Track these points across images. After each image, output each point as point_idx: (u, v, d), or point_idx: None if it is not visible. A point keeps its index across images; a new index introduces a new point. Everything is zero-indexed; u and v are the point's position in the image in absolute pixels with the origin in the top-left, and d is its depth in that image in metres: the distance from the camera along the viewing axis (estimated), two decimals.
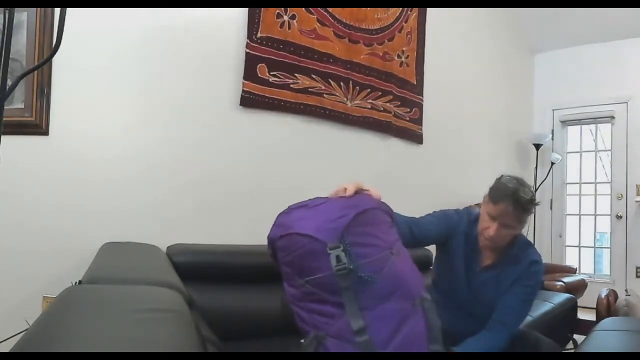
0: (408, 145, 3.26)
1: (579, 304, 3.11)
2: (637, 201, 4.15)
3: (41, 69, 1.87)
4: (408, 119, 3.23)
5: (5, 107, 1.08)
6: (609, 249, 4.40)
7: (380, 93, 3.01)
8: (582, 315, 3.19)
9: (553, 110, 4.68)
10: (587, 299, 3.55)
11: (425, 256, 2.61)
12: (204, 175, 2.31)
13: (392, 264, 1.17)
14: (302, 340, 1.93)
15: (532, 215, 4.41)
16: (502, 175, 1.60)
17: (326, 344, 1.12)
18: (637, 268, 4.12)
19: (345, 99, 2.81)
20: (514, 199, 1.49)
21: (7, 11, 1.09)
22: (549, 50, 4.69)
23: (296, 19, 2.59)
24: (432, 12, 3.40)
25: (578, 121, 4.59)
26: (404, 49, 3.19)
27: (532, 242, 1.97)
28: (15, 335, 1.44)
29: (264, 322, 2.04)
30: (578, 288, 3.49)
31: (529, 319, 2.36)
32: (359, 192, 1.33)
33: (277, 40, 2.52)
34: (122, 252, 1.79)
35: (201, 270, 1.99)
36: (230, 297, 2.02)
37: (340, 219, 1.18)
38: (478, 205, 1.73)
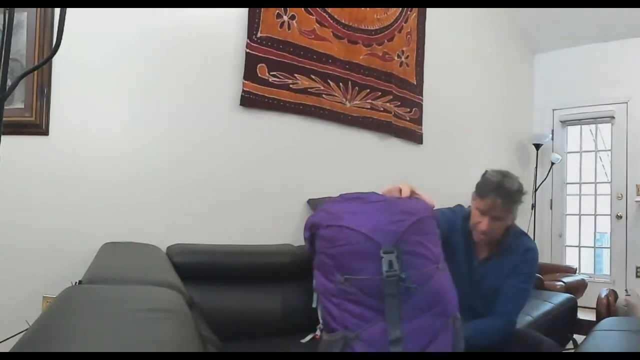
0: (408, 145, 3.26)
1: (579, 304, 3.11)
2: (637, 201, 4.15)
3: (41, 69, 1.87)
4: (408, 119, 3.23)
5: (5, 107, 1.08)
6: (609, 249, 4.40)
7: (380, 93, 3.01)
8: (582, 315, 3.19)
9: (553, 110, 4.68)
10: (587, 299, 3.55)
11: None
12: (204, 175, 2.31)
13: (437, 278, 1.16)
14: (302, 340, 1.93)
15: (532, 215, 4.37)
16: (486, 171, 1.64)
17: (353, 346, 1.09)
18: (637, 268, 4.12)
19: (344, 100, 2.81)
20: (500, 191, 1.53)
21: (7, 11, 1.09)
22: (549, 50, 4.69)
23: (296, 19, 2.59)
24: (432, 12, 3.40)
25: (578, 121, 4.59)
26: (404, 49, 3.19)
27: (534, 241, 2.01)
28: (15, 335, 1.45)
29: (264, 322, 2.04)
30: (578, 288, 3.49)
31: (529, 319, 2.37)
32: (412, 195, 1.31)
33: (277, 40, 2.52)
34: (122, 252, 1.79)
35: (201, 270, 1.99)
36: (230, 297, 2.02)
37: (399, 223, 1.15)
38: None
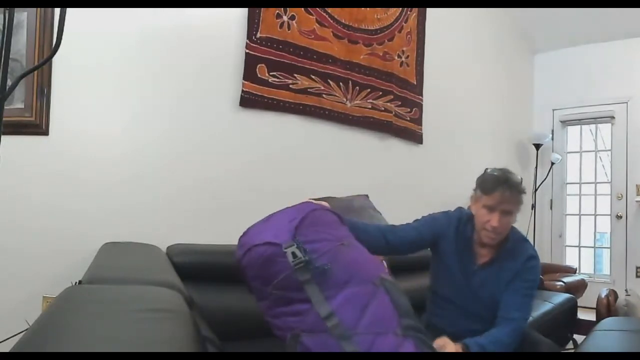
0: (408, 145, 3.26)
1: (579, 304, 3.11)
2: (637, 201, 4.15)
3: (41, 69, 1.87)
4: (408, 118, 3.23)
5: (5, 107, 1.08)
6: (609, 249, 4.40)
7: (380, 93, 3.01)
8: (582, 315, 3.19)
9: (553, 110, 4.68)
10: (587, 299, 3.55)
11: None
12: (204, 175, 2.31)
13: (346, 253, 1.23)
14: None
15: (532, 215, 4.37)
16: (485, 169, 1.64)
17: (302, 340, 1.14)
18: (637, 268, 4.12)
19: (344, 99, 2.81)
20: (508, 184, 1.54)
21: (7, 11, 1.09)
22: (549, 50, 4.69)
23: (296, 19, 2.59)
24: (432, 12, 3.40)
25: (578, 121, 4.59)
26: (404, 49, 3.19)
27: (532, 242, 2.00)
28: (15, 335, 1.44)
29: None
30: (578, 288, 3.49)
31: (529, 319, 2.36)
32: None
33: (277, 40, 2.52)
34: (122, 252, 1.79)
35: (201, 270, 1.99)
36: (230, 297, 2.02)
37: (290, 222, 1.25)
38: None
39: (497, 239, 1.60)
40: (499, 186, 1.54)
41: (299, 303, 1.16)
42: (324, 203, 1.45)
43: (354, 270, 1.20)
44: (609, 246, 4.39)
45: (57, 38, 1.14)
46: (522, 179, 1.62)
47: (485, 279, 1.63)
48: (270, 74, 2.50)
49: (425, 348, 1.12)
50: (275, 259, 1.19)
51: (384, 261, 1.73)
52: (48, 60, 1.80)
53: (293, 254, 1.17)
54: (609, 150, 4.45)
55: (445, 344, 1.42)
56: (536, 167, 4.46)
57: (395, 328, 1.11)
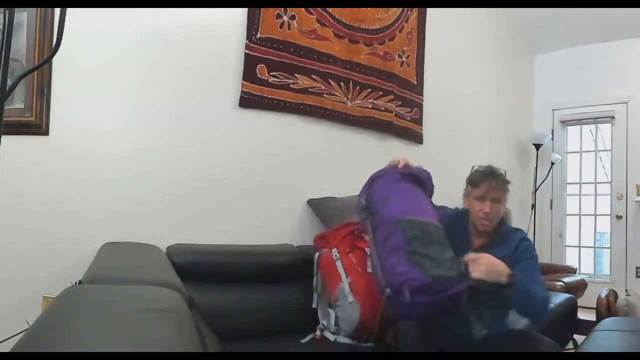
0: (408, 145, 3.25)
1: (579, 304, 3.11)
2: (637, 201, 4.15)
3: (41, 69, 1.87)
4: (409, 118, 3.23)
5: (5, 107, 1.08)
6: (609, 249, 4.39)
7: (381, 93, 3.01)
8: (582, 315, 3.18)
9: (553, 110, 4.67)
10: (587, 299, 3.55)
11: None
12: (204, 175, 2.31)
13: (385, 206, 1.74)
14: (302, 340, 1.94)
15: (532, 215, 4.35)
16: (473, 166, 1.88)
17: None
18: (637, 268, 4.11)
19: (345, 99, 2.81)
20: (493, 175, 1.77)
21: (7, 11, 1.09)
22: (549, 50, 4.69)
23: (296, 19, 2.59)
24: (432, 12, 3.40)
25: (578, 121, 4.59)
26: (405, 48, 3.19)
27: (533, 242, 2.06)
28: (15, 335, 1.45)
29: (264, 322, 2.04)
30: (578, 288, 3.49)
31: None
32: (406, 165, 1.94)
33: (277, 40, 2.52)
34: (122, 252, 1.79)
35: (201, 270, 1.99)
36: (230, 297, 2.02)
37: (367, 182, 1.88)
38: None
39: (491, 225, 1.77)
40: (486, 178, 1.76)
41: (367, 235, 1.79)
42: (400, 160, 1.93)
43: (386, 216, 1.69)
44: (609, 246, 4.39)
45: (57, 38, 1.14)
46: (505, 172, 1.83)
47: None
48: (271, 74, 2.50)
49: (420, 260, 1.52)
50: (357, 206, 1.86)
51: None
52: (48, 60, 1.80)
53: (362, 203, 1.81)
54: (609, 150, 4.44)
55: (478, 257, 1.56)
56: (536, 167, 4.45)
57: (401, 252, 1.55)
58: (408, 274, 1.49)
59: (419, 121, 3.31)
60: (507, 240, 1.77)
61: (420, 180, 1.88)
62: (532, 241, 1.85)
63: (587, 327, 2.44)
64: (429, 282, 1.47)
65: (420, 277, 1.48)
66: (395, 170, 1.87)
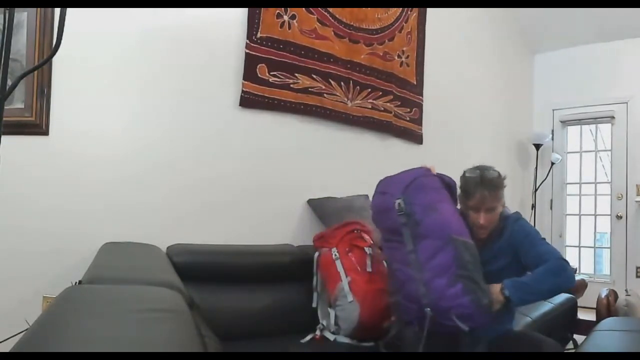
0: (408, 146, 3.25)
1: (579, 304, 3.11)
2: (637, 201, 4.15)
3: (41, 69, 1.87)
4: (408, 119, 3.23)
5: (5, 107, 1.08)
6: (609, 249, 4.39)
7: (380, 93, 3.01)
8: (582, 315, 3.19)
9: (553, 110, 4.67)
10: (587, 299, 3.55)
11: None
12: (204, 175, 2.31)
13: (431, 216, 1.62)
14: (302, 340, 1.94)
15: (532, 215, 4.35)
16: (464, 172, 1.80)
17: (394, 266, 1.73)
18: (637, 268, 4.11)
19: (345, 99, 2.81)
20: (483, 184, 1.71)
21: (7, 11, 1.09)
22: (549, 50, 4.69)
23: (296, 19, 2.59)
24: (432, 12, 3.40)
25: (578, 121, 4.58)
26: (404, 48, 3.19)
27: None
28: (15, 335, 1.45)
29: (264, 322, 2.04)
30: (578, 288, 3.49)
31: (528, 319, 2.36)
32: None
33: (277, 40, 2.52)
34: (122, 252, 1.79)
35: (201, 270, 1.99)
36: (230, 297, 2.02)
37: (403, 183, 1.70)
38: None
39: (488, 232, 1.75)
40: (477, 188, 1.71)
41: (396, 241, 1.65)
42: (431, 167, 1.83)
43: (433, 228, 1.60)
44: (609, 246, 4.39)
45: (57, 38, 1.14)
46: (498, 171, 1.76)
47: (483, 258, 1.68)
48: (271, 73, 2.49)
49: (475, 288, 1.52)
50: (387, 205, 1.68)
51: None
52: (48, 60, 1.80)
53: (399, 204, 1.63)
54: (609, 150, 4.44)
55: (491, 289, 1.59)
56: (536, 167, 4.45)
57: (451, 274, 1.53)
58: (459, 299, 1.51)
59: (418, 121, 3.31)
60: (504, 229, 1.76)
61: (452, 192, 1.79)
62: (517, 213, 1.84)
63: (587, 327, 2.44)
64: (477, 312, 1.52)
65: (472, 305, 1.51)
66: (432, 174, 1.77)
